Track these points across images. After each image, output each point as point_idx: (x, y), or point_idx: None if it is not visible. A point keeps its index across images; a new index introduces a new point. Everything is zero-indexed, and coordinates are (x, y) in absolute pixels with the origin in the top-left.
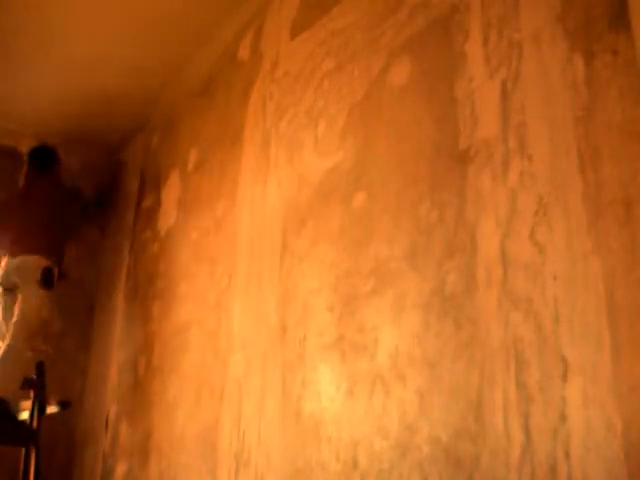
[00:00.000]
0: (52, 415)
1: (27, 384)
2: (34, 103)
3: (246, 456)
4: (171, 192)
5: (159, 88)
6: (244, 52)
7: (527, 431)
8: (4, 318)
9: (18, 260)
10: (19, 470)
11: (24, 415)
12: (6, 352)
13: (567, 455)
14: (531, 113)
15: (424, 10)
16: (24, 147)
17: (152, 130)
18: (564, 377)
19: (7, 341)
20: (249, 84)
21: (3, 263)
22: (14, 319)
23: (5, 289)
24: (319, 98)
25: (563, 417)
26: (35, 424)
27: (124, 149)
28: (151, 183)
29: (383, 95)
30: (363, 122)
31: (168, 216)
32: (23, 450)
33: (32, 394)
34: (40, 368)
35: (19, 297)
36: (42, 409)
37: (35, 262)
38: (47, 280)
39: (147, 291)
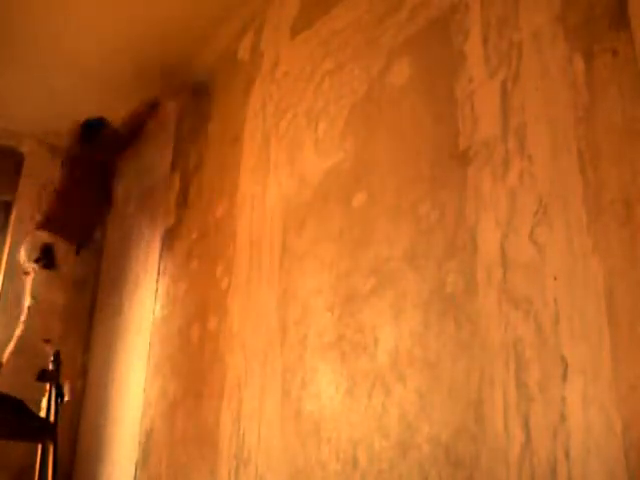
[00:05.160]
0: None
1: (43, 376)
2: (34, 103)
3: (246, 456)
4: (171, 192)
5: (159, 88)
6: (244, 52)
7: (527, 431)
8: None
9: (28, 237)
10: (32, 466)
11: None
12: (19, 343)
13: (567, 455)
14: (531, 113)
15: (424, 10)
16: (24, 147)
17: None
18: (564, 377)
19: (19, 331)
20: (249, 84)
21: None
22: (26, 304)
23: (24, 272)
24: (319, 98)
25: (563, 417)
26: (53, 418)
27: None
28: None
29: (383, 95)
30: (363, 122)
31: (168, 216)
32: (40, 446)
33: (49, 386)
34: (57, 358)
35: (28, 280)
36: (61, 399)
37: (37, 239)
38: (46, 259)
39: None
